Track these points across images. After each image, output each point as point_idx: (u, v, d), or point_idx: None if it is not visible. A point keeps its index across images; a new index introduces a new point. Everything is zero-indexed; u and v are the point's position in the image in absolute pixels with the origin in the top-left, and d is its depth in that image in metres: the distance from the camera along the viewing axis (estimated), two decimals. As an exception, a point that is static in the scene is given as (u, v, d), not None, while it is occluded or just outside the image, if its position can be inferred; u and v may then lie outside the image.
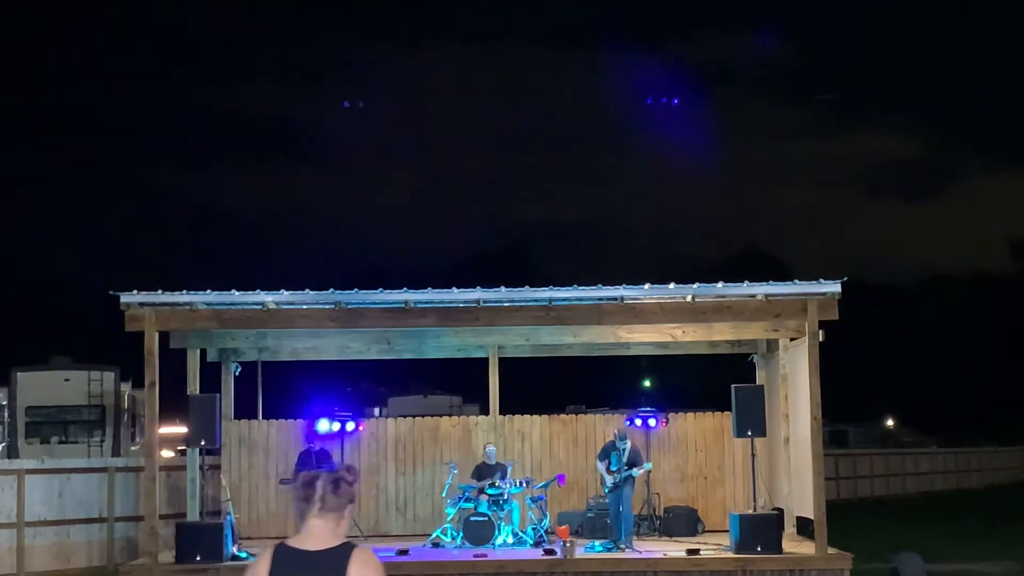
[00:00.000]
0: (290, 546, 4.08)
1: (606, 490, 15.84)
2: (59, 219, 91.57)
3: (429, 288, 15.13)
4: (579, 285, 15.05)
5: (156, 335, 14.88)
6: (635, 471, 15.84)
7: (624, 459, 15.69)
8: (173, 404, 18.08)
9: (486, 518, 15.78)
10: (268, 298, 14.94)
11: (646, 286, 14.87)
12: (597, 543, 15.51)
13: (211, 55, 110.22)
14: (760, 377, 18.31)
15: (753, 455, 15.86)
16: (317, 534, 4.08)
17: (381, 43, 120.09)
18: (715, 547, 15.21)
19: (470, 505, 16.16)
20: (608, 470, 15.72)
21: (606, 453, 15.99)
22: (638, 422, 18.22)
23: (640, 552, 15.01)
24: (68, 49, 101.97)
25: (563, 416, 19.59)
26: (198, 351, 17.33)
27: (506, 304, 15.10)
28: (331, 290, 15.03)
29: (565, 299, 14.95)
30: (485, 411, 19.15)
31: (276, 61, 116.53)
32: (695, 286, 14.86)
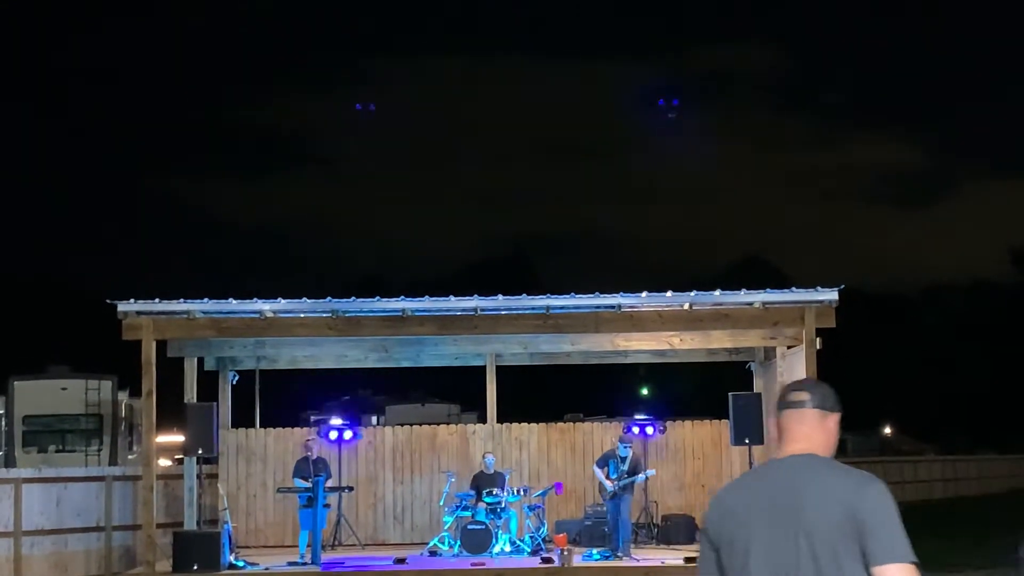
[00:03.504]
0: None
1: (607, 495, 15.78)
2: (57, 227, 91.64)
3: (427, 297, 15.14)
4: (576, 293, 15.06)
5: (154, 344, 14.89)
6: (638, 478, 15.82)
7: (625, 467, 15.67)
8: (171, 413, 18.11)
9: (484, 526, 15.76)
10: (266, 307, 14.94)
11: (643, 294, 14.88)
12: (595, 551, 15.50)
13: (210, 65, 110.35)
14: (758, 385, 18.30)
15: (751, 463, 15.85)
16: None
17: (381, 54, 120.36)
18: (713, 555, 15.17)
19: (468, 513, 16.15)
20: (608, 477, 15.70)
21: (605, 460, 15.97)
22: (636, 430, 18.20)
23: (638, 560, 15.00)
24: (70, 56, 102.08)
25: (561, 424, 19.57)
26: (195, 360, 17.32)
27: (504, 312, 15.11)
28: (329, 299, 15.04)
29: (563, 307, 14.97)
30: (483, 419, 19.14)
31: (275, 72, 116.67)
32: (692, 294, 14.88)
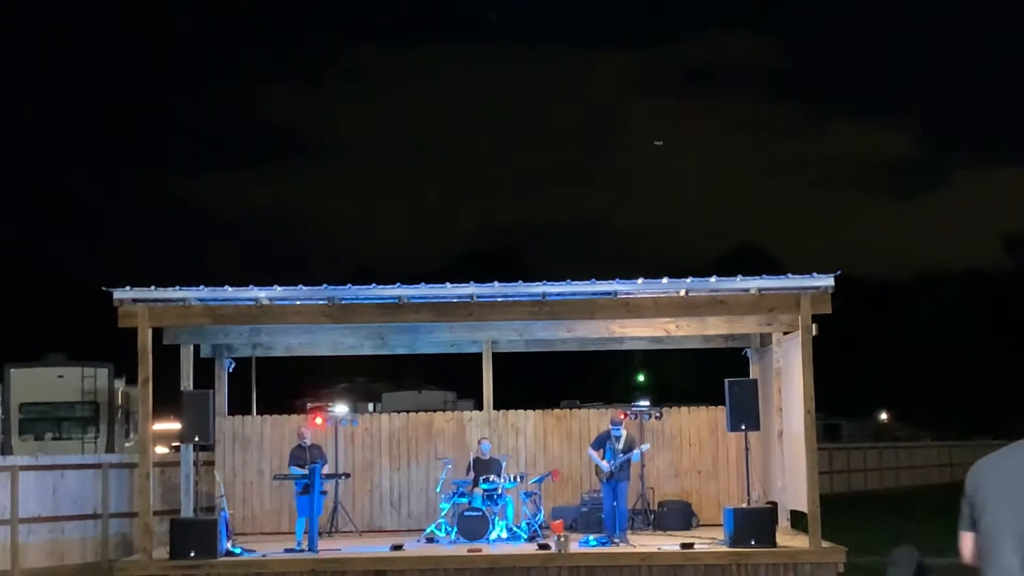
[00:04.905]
0: None
1: (604, 476, 15.77)
2: (53, 216, 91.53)
3: (422, 284, 15.13)
4: (572, 280, 15.05)
5: (149, 331, 14.86)
6: (635, 454, 15.85)
7: (620, 446, 15.71)
8: (167, 400, 18.08)
9: (480, 513, 15.78)
10: (261, 294, 14.92)
11: (639, 281, 14.88)
12: (591, 537, 15.53)
13: (205, 57, 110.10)
14: (754, 371, 18.32)
15: (747, 449, 15.89)
16: None
17: (374, 44, 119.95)
18: (709, 541, 15.22)
19: (464, 500, 16.17)
20: (603, 458, 15.73)
21: (600, 442, 16.00)
22: (632, 416, 18.22)
23: (634, 546, 15.03)
24: (64, 50, 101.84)
25: (557, 411, 19.59)
26: (191, 347, 17.32)
27: (499, 299, 15.09)
28: (324, 286, 15.02)
29: (558, 294, 14.96)
30: (479, 406, 19.14)
31: (269, 62, 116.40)
32: (688, 280, 14.88)
